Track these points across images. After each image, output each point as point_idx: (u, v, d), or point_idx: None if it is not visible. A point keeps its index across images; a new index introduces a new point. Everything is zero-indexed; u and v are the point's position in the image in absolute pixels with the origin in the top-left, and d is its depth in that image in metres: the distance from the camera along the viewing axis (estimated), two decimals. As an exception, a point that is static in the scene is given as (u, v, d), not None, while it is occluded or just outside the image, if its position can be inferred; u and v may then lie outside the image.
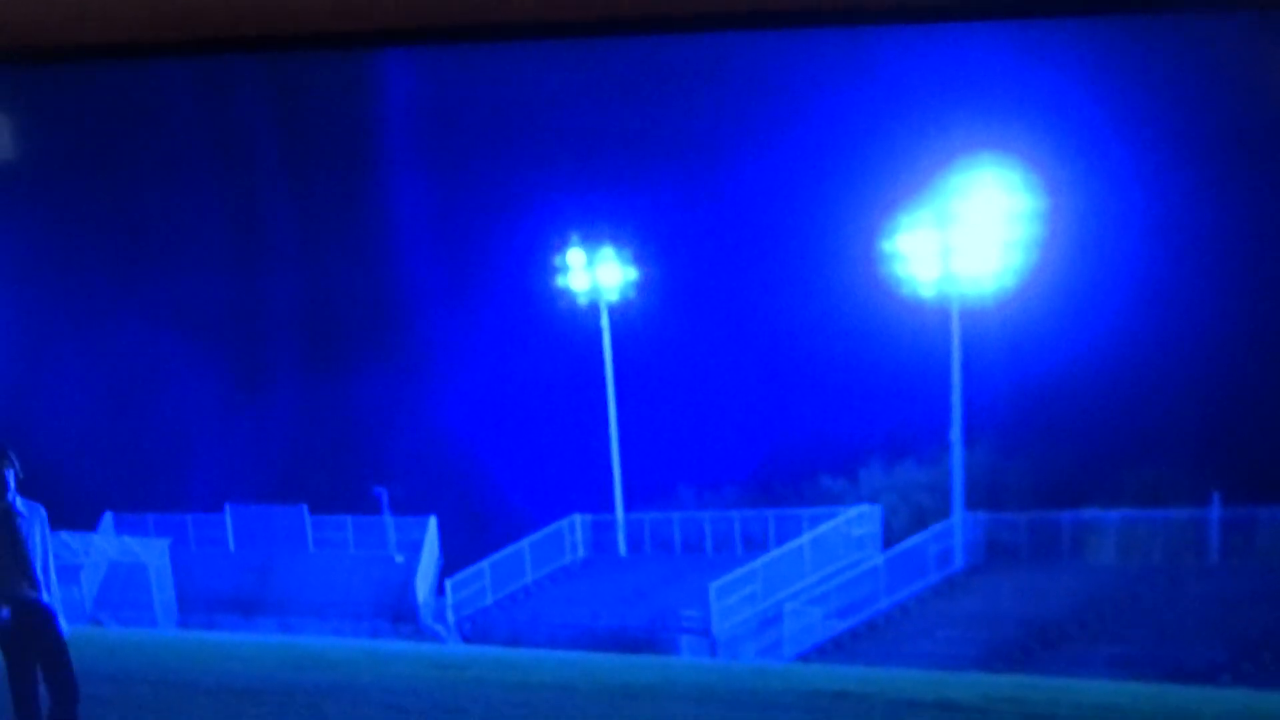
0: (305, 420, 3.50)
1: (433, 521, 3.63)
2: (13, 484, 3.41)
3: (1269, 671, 3.24)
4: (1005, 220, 3.11)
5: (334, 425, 3.51)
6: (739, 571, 3.54)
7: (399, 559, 3.73)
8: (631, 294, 3.27)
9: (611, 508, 3.51)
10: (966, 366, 3.23)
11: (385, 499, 3.60)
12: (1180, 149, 3.02)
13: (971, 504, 3.36)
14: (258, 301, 3.42)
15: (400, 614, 3.77)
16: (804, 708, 3.50)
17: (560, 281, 3.33)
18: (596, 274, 3.29)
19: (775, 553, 3.50)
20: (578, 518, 3.57)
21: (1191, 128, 3.01)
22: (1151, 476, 3.23)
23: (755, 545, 3.51)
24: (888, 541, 3.46)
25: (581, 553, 3.62)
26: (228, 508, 3.74)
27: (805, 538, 3.46)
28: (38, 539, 3.43)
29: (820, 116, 3.08)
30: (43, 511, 3.46)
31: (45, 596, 3.49)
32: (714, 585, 3.54)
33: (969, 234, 3.17)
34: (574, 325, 3.36)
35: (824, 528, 3.43)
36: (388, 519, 3.65)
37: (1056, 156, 3.05)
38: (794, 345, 3.29)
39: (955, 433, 3.27)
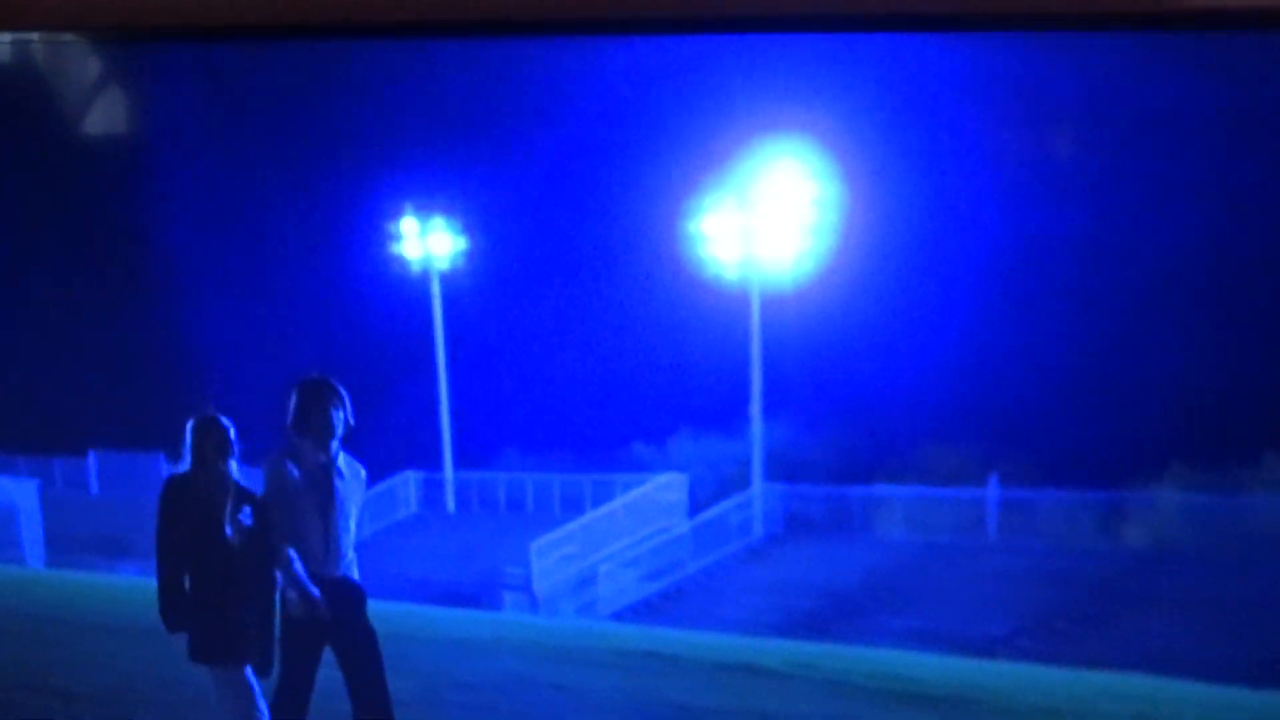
0: (158, 366, 3.69)
1: (276, 476, 3.77)
2: (340, 433, 3.36)
3: (1044, 647, 3.39)
4: (806, 206, 3.26)
5: (188, 380, 3.69)
6: (558, 532, 3.69)
7: (248, 510, 3.88)
8: (461, 263, 3.44)
9: (442, 466, 3.68)
10: (766, 345, 3.39)
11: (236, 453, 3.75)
12: (987, 142, 3.18)
13: (771, 476, 3.50)
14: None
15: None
16: (619, 666, 3.67)
17: (395, 249, 3.49)
18: (428, 243, 3.45)
19: (590, 515, 3.65)
20: (410, 474, 3.73)
21: (1003, 124, 3.16)
22: (936, 456, 3.37)
23: (573, 507, 3.66)
24: (694, 509, 3.60)
25: (414, 508, 3.78)
26: (91, 454, 3.92)
27: (618, 502, 3.61)
28: (354, 507, 3.32)
29: (634, 103, 3.26)
30: (363, 474, 3.39)
31: (355, 575, 3.37)
32: (534, 544, 3.70)
33: (771, 218, 3.32)
34: (408, 291, 3.53)
35: (635, 493, 3.58)
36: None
37: (859, 145, 3.21)
38: (610, 318, 3.46)
39: (755, 408, 3.42)
